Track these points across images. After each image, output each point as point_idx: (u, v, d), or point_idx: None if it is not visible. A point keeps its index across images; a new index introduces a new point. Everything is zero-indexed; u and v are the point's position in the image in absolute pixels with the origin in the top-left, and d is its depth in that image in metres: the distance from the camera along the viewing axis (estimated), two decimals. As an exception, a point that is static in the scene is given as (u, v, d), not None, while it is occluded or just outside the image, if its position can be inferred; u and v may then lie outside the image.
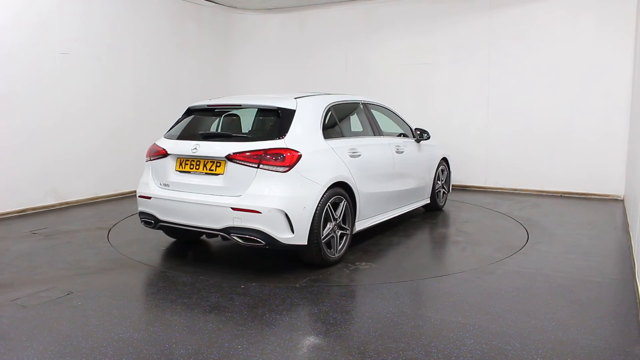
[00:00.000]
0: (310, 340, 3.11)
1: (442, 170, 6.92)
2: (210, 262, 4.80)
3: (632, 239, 5.13)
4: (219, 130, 4.99)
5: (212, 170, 4.37)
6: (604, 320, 3.39)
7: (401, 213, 5.91)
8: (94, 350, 2.95)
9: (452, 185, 7.98)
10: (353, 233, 4.84)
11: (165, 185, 4.62)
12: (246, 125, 5.12)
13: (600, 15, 7.70)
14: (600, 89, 7.76)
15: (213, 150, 4.38)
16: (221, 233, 4.26)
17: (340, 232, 4.59)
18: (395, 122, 6.21)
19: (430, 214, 6.78)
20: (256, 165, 4.17)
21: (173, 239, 5.41)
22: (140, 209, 4.78)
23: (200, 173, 4.44)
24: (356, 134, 5.47)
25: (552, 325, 3.30)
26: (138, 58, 8.21)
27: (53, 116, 7.02)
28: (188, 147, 4.51)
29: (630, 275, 4.27)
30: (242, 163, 4.21)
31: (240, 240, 4.20)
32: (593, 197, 7.92)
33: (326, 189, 4.34)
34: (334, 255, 4.53)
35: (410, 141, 6.16)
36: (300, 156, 4.23)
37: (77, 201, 7.41)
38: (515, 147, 8.45)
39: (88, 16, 7.40)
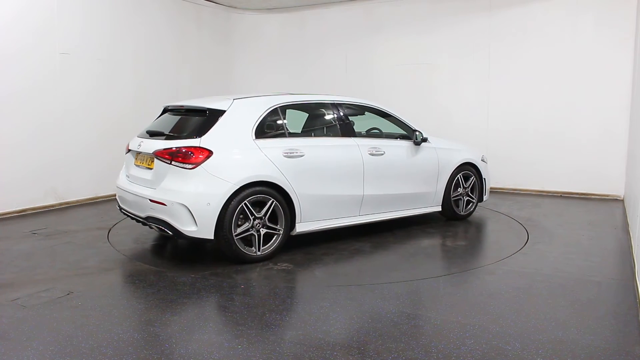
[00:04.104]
0: (311, 340, 3.11)
1: (467, 177, 6.30)
2: (211, 262, 4.80)
3: (632, 239, 5.13)
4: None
5: (149, 165, 4.77)
6: (604, 320, 3.40)
7: (388, 218, 5.63)
8: (94, 350, 2.95)
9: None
10: (294, 234, 4.87)
11: (127, 177, 5.14)
12: (188, 124, 5.14)
13: (600, 15, 7.70)
14: (600, 89, 7.76)
15: (147, 147, 4.78)
16: (145, 221, 4.69)
17: (265, 231, 4.63)
18: (394, 123, 5.94)
19: (434, 221, 6.43)
20: (169, 162, 4.48)
21: (172, 239, 5.42)
22: (116, 196, 5.38)
23: (144, 167, 4.87)
24: (316, 135, 5.42)
25: (552, 325, 3.30)
26: (138, 58, 8.21)
27: (53, 116, 7.01)
28: (137, 144, 4.99)
29: (630, 275, 4.28)
30: (161, 159, 4.56)
31: (156, 229, 4.64)
32: (593, 197, 7.92)
33: (238, 187, 4.43)
34: (255, 253, 4.60)
35: (405, 144, 5.81)
36: (210, 155, 4.44)
37: (77, 201, 7.41)
38: (515, 146, 8.45)
39: (88, 16, 7.39)
